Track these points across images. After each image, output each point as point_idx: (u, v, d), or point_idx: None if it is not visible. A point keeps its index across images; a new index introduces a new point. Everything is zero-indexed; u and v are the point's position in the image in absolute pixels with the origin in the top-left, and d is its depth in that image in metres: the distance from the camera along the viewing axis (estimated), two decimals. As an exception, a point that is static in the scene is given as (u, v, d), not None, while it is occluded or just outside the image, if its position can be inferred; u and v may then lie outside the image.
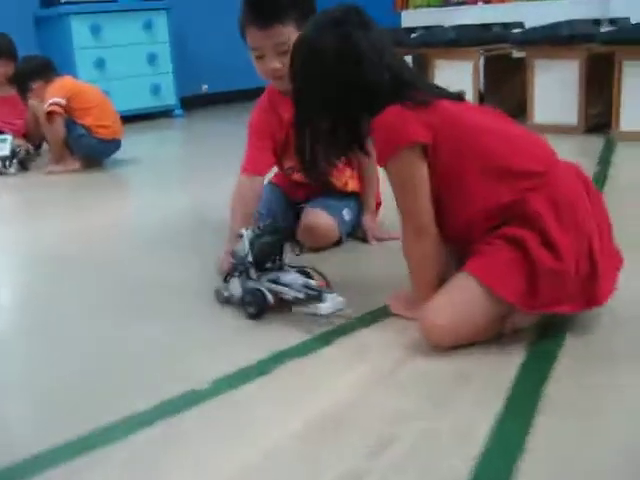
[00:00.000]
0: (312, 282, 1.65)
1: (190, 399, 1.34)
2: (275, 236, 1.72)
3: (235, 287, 1.72)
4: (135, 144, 4.36)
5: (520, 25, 4.78)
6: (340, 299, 1.61)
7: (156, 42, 5.55)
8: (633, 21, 4.24)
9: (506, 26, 4.78)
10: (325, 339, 1.56)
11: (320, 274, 1.68)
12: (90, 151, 3.80)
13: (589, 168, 3.13)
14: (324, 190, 2.24)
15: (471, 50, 4.42)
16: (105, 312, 1.85)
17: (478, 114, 1.59)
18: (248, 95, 6.65)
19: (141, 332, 1.69)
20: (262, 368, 1.45)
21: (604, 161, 3.30)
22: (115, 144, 3.85)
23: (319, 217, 2.15)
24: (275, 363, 1.46)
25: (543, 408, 1.24)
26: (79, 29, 5.18)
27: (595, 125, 4.15)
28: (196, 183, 3.46)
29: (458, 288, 1.46)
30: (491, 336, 1.47)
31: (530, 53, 4.20)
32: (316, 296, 1.60)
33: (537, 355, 1.43)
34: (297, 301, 1.64)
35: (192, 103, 6.03)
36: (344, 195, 2.26)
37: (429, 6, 5.84)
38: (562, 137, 3.97)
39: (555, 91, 4.14)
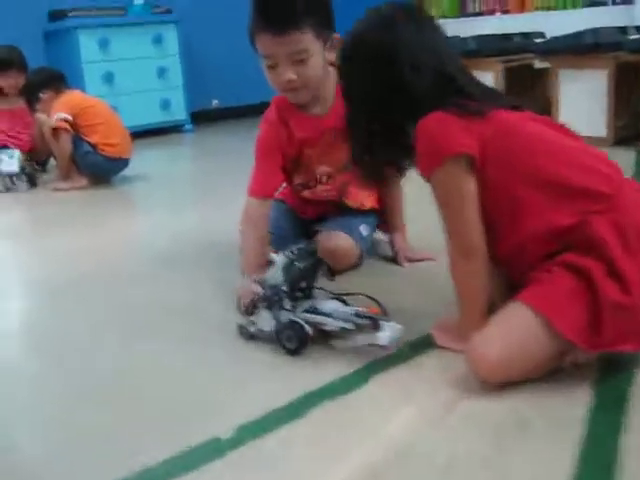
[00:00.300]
0: (362, 309, 1.49)
1: (212, 450, 1.17)
2: (309, 260, 1.55)
3: (265, 320, 1.53)
4: (144, 160, 4.23)
5: (541, 35, 4.62)
6: (399, 327, 1.44)
7: (166, 56, 5.42)
8: (660, 29, 4.09)
9: (527, 36, 4.63)
10: (363, 376, 1.39)
11: (373, 299, 1.53)
12: (96, 169, 3.66)
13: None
14: (337, 208, 2.10)
15: (492, 60, 4.26)
16: (111, 333, 1.71)
17: (538, 124, 1.42)
18: (259, 110, 6.52)
19: (154, 360, 1.53)
20: (294, 410, 1.28)
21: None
22: (122, 163, 3.71)
23: (338, 238, 1.99)
24: (309, 404, 1.30)
25: (623, 462, 1.06)
26: (87, 43, 5.06)
27: (622, 137, 3.99)
28: (206, 202, 3.30)
29: (511, 318, 1.30)
30: (547, 372, 1.30)
31: (555, 63, 4.04)
32: (371, 325, 1.44)
33: (606, 396, 1.26)
34: (343, 332, 1.48)
35: (202, 118, 5.89)
36: (360, 212, 2.11)
37: (445, 17, 5.69)
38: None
39: (582, 102, 3.98)
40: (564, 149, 1.37)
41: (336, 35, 1.83)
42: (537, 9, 5.38)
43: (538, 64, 4.47)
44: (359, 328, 1.45)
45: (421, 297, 1.79)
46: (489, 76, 4.20)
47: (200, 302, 1.87)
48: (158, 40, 5.35)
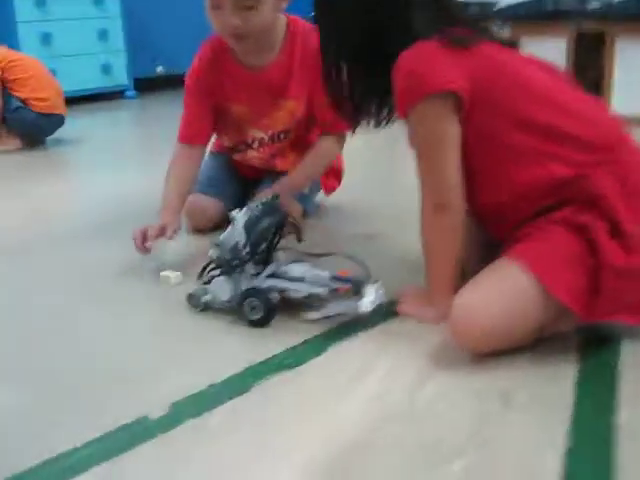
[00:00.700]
0: (338, 273, 1.32)
1: (140, 430, 0.99)
2: (275, 217, 1.36)
3: (222, 288, 1.33)
4: (83, 125, 3.97)
5: (492, 5, 4.47)
6: (381, 290, 1.29)
7: (107, 17, 5.12)
8: None
9: (483, 6, 4.49)
10: (318, 346, 1.22)
11: (354, 259, 1.35)
12: (29, 126, 3.38)
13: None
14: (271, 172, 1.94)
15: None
16: (40, 296, 1.50)
17: (530, 66, 1.26)
18: None
19: (84, 324, 1.35)
20: (235, 385, 1.11)
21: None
22: (56, 119, 3.44)
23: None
24: (253, 379, 1.12)
25: (617, 438, 0.92)
26: (22, 1, 4.74)
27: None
28: (148, 166, 3.07)
29: (498, 279, 1.13)
30: (529, 341, 1.15)
31: (515, 30, 3.91)
32: (352, 288, 1.27)
33: (593, 370, 1.12)
34: (314, 299, 1.30)
35: (146, 84, 5.61)
36: None
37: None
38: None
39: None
40: (561, 95, 1.21)
41: None
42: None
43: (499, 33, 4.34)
44: (334, 294, 1.28)
45: (392, 262, 1.61)
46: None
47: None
48: (99, 0, 5.06)
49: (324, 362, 1.17)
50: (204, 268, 1.39)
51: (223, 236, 1.33)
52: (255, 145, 1.88)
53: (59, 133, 3.50)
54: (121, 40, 5.21)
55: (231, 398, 1.07)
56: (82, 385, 1.14)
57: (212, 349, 1.24)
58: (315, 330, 1.27)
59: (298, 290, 1.31)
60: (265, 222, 1.33)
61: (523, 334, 1.13)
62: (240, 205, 1.41)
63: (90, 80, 5.04)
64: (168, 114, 4.64)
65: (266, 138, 1.87)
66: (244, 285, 1.32)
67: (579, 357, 1.15)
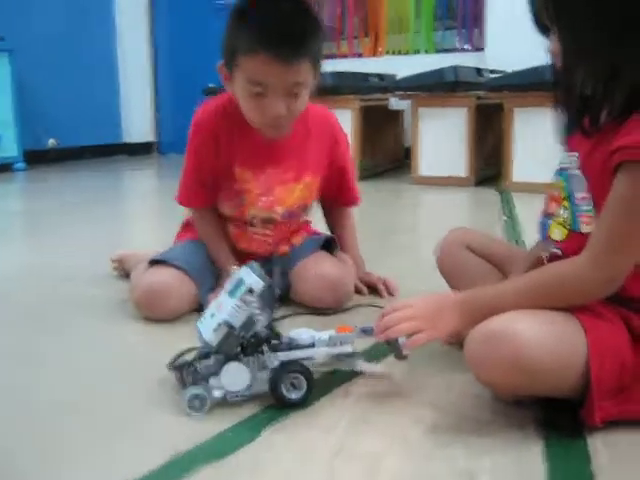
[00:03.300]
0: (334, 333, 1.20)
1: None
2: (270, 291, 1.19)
3: (239, 376, 1.12)
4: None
5: (393, 78, 4.53)
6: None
7: (-5, 87, 4.91)
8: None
9: (382, 77, 4.55)
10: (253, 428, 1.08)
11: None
12: None
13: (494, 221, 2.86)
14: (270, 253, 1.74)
15: (350, 98, 4.11)
16: None
17: None
18: (101, 151, 6.20)
19: None
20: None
21: (509, 215, 3.02)
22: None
23: (325, 262, 1.67)
24: (181, 470, 0.96)
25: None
26: None
27: (483, 177, 3.94)
28: (25, 242, 2.87)
29: (554, 320, 1.02)
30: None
31: (414, 101, 3.95)
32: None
33: (562, 441, 1.01)
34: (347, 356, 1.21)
35: (37, 157, 5.38)
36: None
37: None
38: (453, 190, 3.73)
39: (441, 141, 3.89)
40: None
41: (321, 64, 1.57)
42: (390, 53, 5.36)
43: (395, 104, 4.39)
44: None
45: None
46: (347, 114, 4.04)
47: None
48: (-12, 70, 4.85)
49: (257, 448, 1.03)
50: (187, 364, 1.16)
51: (229, 318, 1.11)
52: (257, 224, 1.69)
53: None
54: (10, 111, 4.99)
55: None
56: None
57: (134, 435, 1.08)
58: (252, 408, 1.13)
59: (322, 355, 1.18)
60: (269, 293, 1.16)
61: (547, 386, 1.02)
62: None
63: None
64: (58, 187, 4.47)
65: (276, 216, 1.68)
66: (270, 364, 1.13)
67: (543, 426, 1.04)
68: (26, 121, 5.16)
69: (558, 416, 1.05)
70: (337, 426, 1.07)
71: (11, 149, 5.03)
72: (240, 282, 1.13)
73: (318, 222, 1.88)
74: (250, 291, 1.11)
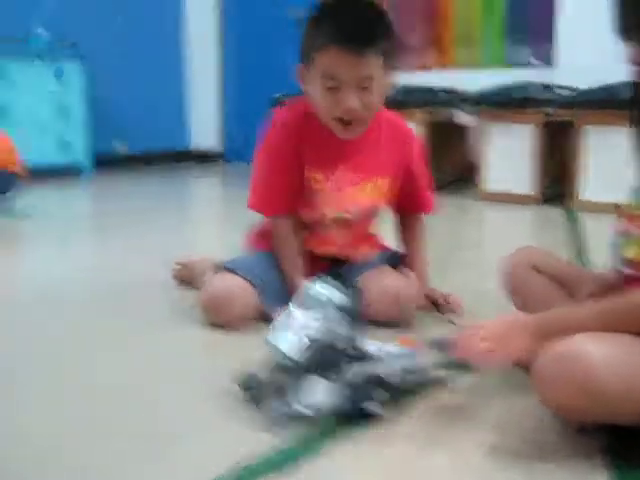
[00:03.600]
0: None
1: None
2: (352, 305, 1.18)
3: (321, 390, 1.12)
4: (36, 199, 3.80)
5: (461, 92, 4.49)
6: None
7: (68, 92, 5.03)
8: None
9: (449, 92, 4.52)
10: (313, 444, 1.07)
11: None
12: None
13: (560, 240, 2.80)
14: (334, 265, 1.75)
15: (417, 112, 4.09)
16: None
17: None
18: (168, 158, 6.30)
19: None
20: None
21: (576, 234, 2.95)
22: (6, 178, 3.26)
23: (387, 276, 1.68)
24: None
25: None
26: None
27: (551, 195, 3.87)
28: (93, 244, 2.93)
29: (629, 344, 1.00)
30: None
31: (483, 117, 3.91)
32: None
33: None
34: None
35: (106, 162, 5.50)
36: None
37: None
38: (518, 208, 3.67)
39: (509, 158, 3.84)
40: None
41: (395, 66, 1.62)
42: (458, 67, 5.32)
43: (462, 119, 4.35)
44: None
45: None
46: (414, 128, 4.02)
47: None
48: (60, 75, 4.97)
49: (317, 463, 1.02)
50: (259, 381, 1.18)
51: (311, 328, 1.12)
52: (331, 224, 1.71)
53: (10, 205, 3.34)
54: (81, 116, 5.12)
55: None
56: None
57: (196, 443, 1.08)
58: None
59: (394, 368, 1.18)
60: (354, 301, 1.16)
61: (615, 410, 0.99)
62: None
63: (47, 155, 4.92)
64: (125, 192, 4.56)
65: (349, 216, 1.71)
66: (351, 377, 1.13)
67: (609, 455, 1.02)
68: (96, 126, 5.28)
69: (626, 446, 1.02)
70: (398, 444, 1.06)
71: (80, 153, 5.15)
72: (321, 297, 1.13)
73: (389, 234, 1.88)
74: (334, 306, 1.11)
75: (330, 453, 1.04)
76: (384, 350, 1.19)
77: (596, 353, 0.96)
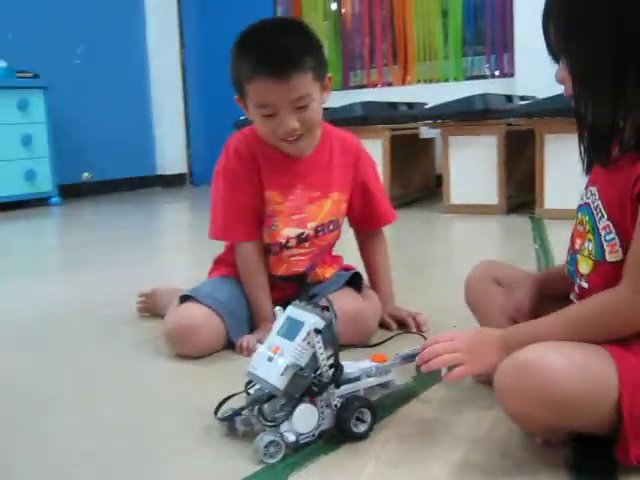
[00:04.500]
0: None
1: None
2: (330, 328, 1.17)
3: (310, 416, 1.12)
4: (2, 233, 3.76)
5: (424, 106, 4.54)
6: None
7: (32, 123, 5.01)
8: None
9: (412, 105, 4.56)
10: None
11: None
12: None
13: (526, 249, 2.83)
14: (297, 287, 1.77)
15: (379, 128, 4.12)
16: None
17: None
18: (135, 183, 6.27)
19: None
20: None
21: (542, 242, 2.99)
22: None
23: (347, 298, 1.66)
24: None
25: None
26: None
27: (515, 205, 3.91)
28: (62, 275, 2.91)
29: (587, 352, 1.00)
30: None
31: (446, 131, 3.95)
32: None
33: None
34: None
35: (72, 191, 5.48)
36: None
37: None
38: (484, 218, 3.71)
39: (472, 169, 3.88)
40: None
41: (329, 75, 1.62)
42: (419, 82, 5.38)
43: (425, 133, 4.39)
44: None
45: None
46: (377, 143, 4.06)
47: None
48: (24, 106, 4.94)
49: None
50: (236, 412, 1.18)
51: (293, 355, 1.11)
52: (292, 243, 1.71)
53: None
54: (46, 146, 5.09)
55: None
56: None
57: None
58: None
59: (371, 386, 1.22)
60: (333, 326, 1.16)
61: (577, 419, 1.00)
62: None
63: (12, 186, 4.89)
64: (93, 222, 4.54)
65: (308, 232, 1.70)
66: (332, 400, 1.14)
67: (574, 468, 1.03)
68: (61, 156, 5.26)
69: (590, 457, 1.03)
70: (366, 469, 1.06)
71: (46, 184, 5.12)
72: (298, 323, 1.14)
73: (351, 254, 1.89)
74: (315, 331, 1.12)
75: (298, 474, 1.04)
76: (359, 368, 1.21)
77: (555, 361, 0.97)
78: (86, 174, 5.76)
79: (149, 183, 6.22)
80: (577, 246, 1.15)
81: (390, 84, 5.46)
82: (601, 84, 1.04)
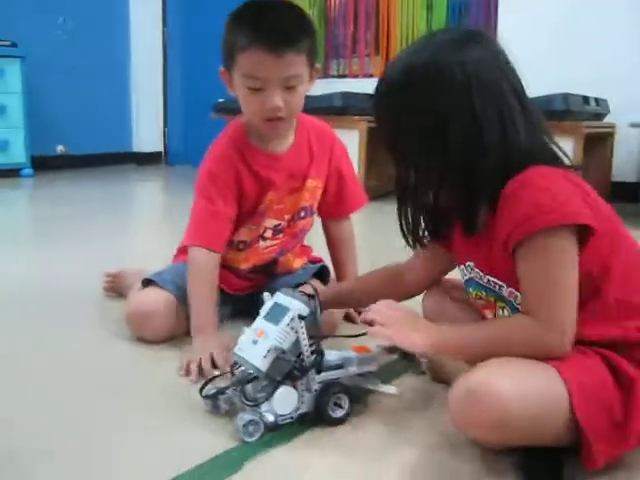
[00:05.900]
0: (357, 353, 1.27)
1: None
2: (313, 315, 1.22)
3: (286, 400, 1.17)
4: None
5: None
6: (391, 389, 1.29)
7: (7, 92, 4.94)
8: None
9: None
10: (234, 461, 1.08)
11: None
12: None
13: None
14: (267, 277, 1.78)
15: (356, 119, 4.12)
16: None
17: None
18: (109, 159, 6.22)
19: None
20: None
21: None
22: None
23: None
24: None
25: None
26: None
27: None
28: (33, 249, 2.88)
29: (533, 369, 1.03)
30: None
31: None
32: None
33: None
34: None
35: (45, 164, 5.42)
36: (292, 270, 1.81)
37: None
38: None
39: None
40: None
41: (318, 65, 1.61)
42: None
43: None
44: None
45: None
46: (354, 134, 4.06)
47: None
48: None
49: None
50: (220, 391, 1.23)
51: (277, 338, 1.16)
52: (268, 234, 1.71)
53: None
54: (20, 116, 5.03)
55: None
56: None
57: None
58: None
59: (351, 375, 1.25)
60: (315, 315, 1.20)
61: (532, 439, 1.03)
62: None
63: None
64: (64, 195, 4.49)
65: (284, 223, 1.72)
66: (313, 385, 1.18)
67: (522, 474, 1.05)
68: (35, 127, 5.20)
69: (538, 463, 1.05)
70: (312, 465, 1.08)
71: (19, 155, 5.06)
72: (283, 309, 1.18)
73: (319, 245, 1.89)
74: (299, 317, 1.16)
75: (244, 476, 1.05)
76: (342, 357, 1.24)
77: (505, 389, 0.98)
78: (60, 147, 5.71)
79: (124, 160, 6.17)
80: (490, 315, 1.22)
81: (371, 75, 5.45)
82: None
